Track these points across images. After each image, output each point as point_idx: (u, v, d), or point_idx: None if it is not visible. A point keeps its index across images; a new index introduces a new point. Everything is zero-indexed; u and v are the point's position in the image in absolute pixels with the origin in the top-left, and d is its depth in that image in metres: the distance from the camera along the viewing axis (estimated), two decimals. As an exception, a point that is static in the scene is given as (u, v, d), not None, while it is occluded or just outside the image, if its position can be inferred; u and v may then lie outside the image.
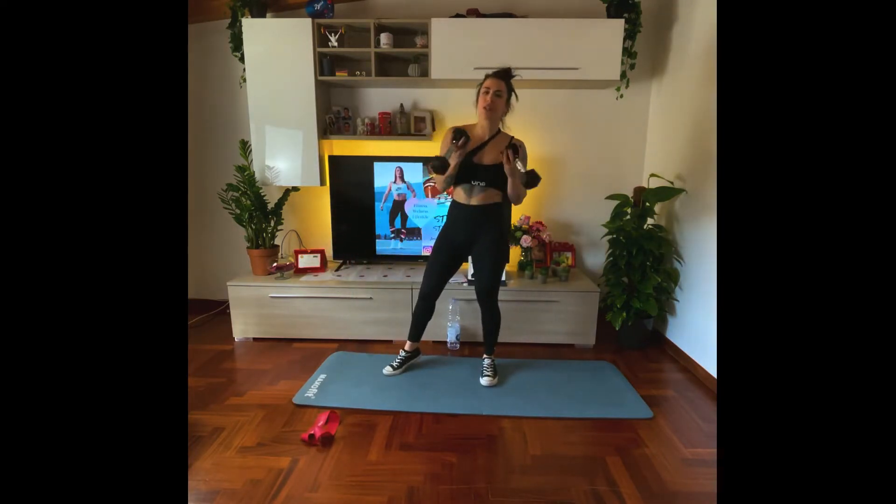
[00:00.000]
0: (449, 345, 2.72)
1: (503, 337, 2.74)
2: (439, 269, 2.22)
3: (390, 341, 2.78)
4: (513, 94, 2.11)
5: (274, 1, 2.83)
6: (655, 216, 2.83)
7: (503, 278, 2.74)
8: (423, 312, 2.30)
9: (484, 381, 2.25)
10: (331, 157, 2.91)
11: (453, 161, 2.01)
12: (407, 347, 2.38)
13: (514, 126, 3.02)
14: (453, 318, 2.67)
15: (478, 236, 2.14)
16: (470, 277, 2.73)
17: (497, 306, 2.26)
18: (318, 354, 2.62)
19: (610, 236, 2.76)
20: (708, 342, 2.34)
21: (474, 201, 2.11)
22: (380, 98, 3.05)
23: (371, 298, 2.71)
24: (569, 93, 3.00)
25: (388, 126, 2.93)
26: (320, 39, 2.71)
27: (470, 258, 2.26)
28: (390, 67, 2.96)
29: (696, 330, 2.45)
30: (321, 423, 1.85)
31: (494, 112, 2.05)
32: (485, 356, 2.35)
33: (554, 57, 2.62)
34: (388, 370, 2.34)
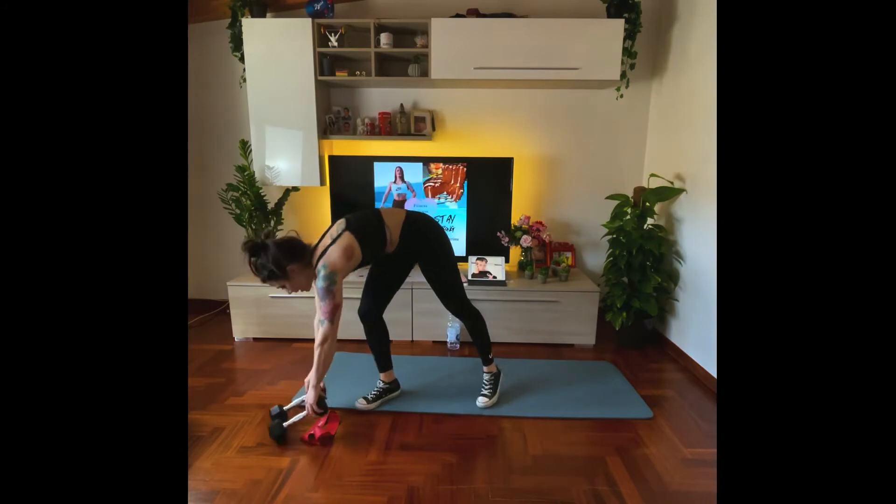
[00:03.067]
0: (449, 345, 2.72)
1: (503, 337, 2.74)
2: (371, 283, 2.02)
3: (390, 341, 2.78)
4: (283, 264, 1.69)
5: (274, 1, 2.83)
6: (655, 216, 2.83)
7: (501, 277, 2.74)
8: (368, 334, 2.05)
9: (479, 401, 2.06)
10: (331, 157, 2.91)
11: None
12: (383, 378, 2.11)
13: (515, 127, 3.04)
14: (453, 318, 2.67)
15: (410, 255, 1.94)
16: (470, 277, 2.74)
17: (469, 309, 2.03)
18: (318, 354, 2.61)
19: (610, 236, 2.76)
20: (708, 342, 2.34)
21: (390, 251, 1.89)
22: (380, 98, 3.05)
23: (371, 298, 2.71)
24: (569, 93, 3.00)
25: (388, 126, 2.93)
26: (320, 39, 2.71)
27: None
28: (390, 67, 2.96)
29: (696, 330, 2.45)
30: (321, 423, 1.85)
31: (305, 286, 1.80)
32: (483, 369, 2.12)
33: (554, 57, 2.61)
34: (361, 403, 2.04)
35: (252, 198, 2.79)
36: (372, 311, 2.03)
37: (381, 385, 2.11)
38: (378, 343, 2.07)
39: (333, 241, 1.75)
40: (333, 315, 1.73)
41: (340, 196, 2.96)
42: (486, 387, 2.11)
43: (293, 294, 1.87)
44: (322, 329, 1.74)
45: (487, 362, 2.10)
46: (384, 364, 2.10)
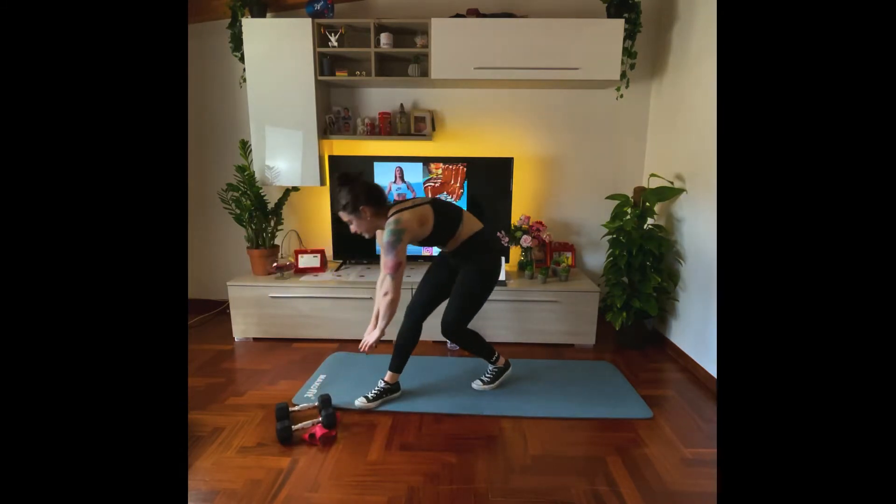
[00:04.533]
0: (449, 345, 2.72)
1: (503, 337, 2.75)
2: (433, 281, 2.10)
3: (390, 341, 2.77)
4: (359, 203, 1.80)
5: (274, 1, 2.83)
6: (655, 216, 2.83)
7: (501, 277, 2.73)
8: (409, 333, 2.06)
9: (475, 384, 2.17)
10: (331, 157, 2.91)
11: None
12: (387, 378, 2.10)
13: (515, 127, 3.04)
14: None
15: (461, 266, 2.04)
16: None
17: (464, 333, 2.06)
18: (318, 354, 2.61)
19: (610, 236, 2.76)
20: (708, 342, 2.34)
21: (448, 250, 2.02)
22: (380, 98, 3.05)
23: (371, 298, 2.71)
24: (569, 93, 3.00)
25: (388, 126, 2.93)
26: (320, 39, 2.71)
27: None
28: (390, 67, 2.96)
29: (697, 330, 2.45)
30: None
31: (367, 231, 1.89)
32: (489, 364, 2.23)
33: (554, 57, 2.61)
34: (361, 402, 2.05)
35: (252, 198, 2.79)
36: (417, 310, 2.07)
37: (383, 385, 2.10)
38: (409, 343, 2.08)
39: (414, 206, 1.86)
40: (395, 271, 1.81)
41: (340, 196, 2.96)
42: (488, 375, 2.18)
43: (356, 233, 1.91)
44: (386, 282, 1.86)
45: (494, 362, 2.18)
46: (399, 365, 2.09)
